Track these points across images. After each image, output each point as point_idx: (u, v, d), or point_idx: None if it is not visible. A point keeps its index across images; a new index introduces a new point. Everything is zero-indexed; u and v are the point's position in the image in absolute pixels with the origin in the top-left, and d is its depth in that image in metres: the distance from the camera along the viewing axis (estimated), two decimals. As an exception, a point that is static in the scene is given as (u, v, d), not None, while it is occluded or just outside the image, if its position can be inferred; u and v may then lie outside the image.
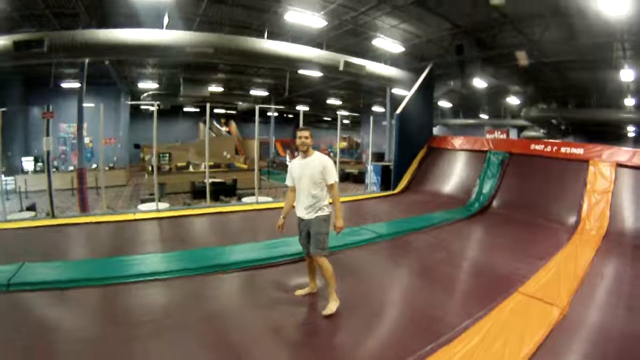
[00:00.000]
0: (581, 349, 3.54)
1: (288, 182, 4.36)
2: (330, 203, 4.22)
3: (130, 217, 7.71)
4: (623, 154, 8.54)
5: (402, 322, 4.06)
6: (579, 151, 9.22)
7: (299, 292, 4.47)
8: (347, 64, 12.19)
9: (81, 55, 9.85)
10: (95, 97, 19.23)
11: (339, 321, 3.93)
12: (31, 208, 11.45)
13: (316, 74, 14.19)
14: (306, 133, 4.15)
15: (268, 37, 11.54)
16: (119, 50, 9.91)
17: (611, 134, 22.01)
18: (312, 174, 4.08)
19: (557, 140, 13.27)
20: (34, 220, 7.14)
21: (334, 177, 4.13)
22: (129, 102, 21.06)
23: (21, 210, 11.12)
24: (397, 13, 11.18)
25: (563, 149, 9.53)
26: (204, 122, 30.33)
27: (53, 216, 7.72)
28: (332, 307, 4.06)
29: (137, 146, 24.90)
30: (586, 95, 18.57)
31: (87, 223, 7.18)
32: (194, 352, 3.24)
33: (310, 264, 4.43)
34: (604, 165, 8.57)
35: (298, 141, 4.19)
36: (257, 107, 9.78)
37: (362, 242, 6.48)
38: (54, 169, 19.14)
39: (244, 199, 10.53)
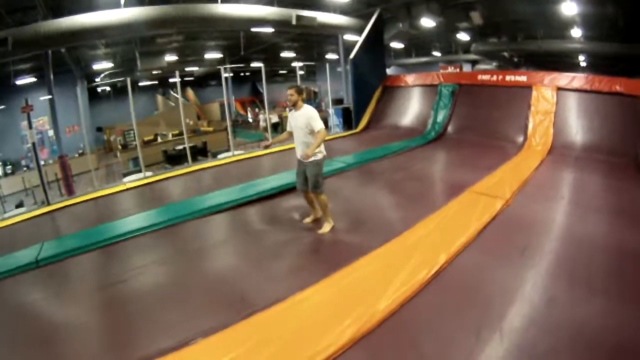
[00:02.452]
0: (519, 229, 4.54)
1: (287, 128, 5.17)
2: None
3: (122, 187, 8.13)
4: (563, 78, 9.38)
5: (375, 222, 5.12)
6: (522, 78, 10.07)
7: (307, 220, 5.37)
8: (299, 18, 12.64)
9: (46, 46, 10.13)
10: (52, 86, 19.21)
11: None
12: (20, 205, 11.87)
13: (270, 30, 14.60)
14: (291, 91, 4.84)
15: (222, 1, 11.89)
16: (82, 36, 10.06)
17: (563, 64, 22.82)
18: (300, 125, 4.84)
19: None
20: (31, 212, 7.33)
21: (318, 125, 4.75)
22: (96, 84, 20.95)
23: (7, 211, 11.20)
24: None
25: (508, 77, 10.37)
26: (161, 94, 30.34)
27: (48, 203, 7.85)
28: (326, 228, 4.98)
29: (99, 129, 24.75)
30: (533, 29, 19.20)
31: (83, 201, 7.54)
32: (219, 262, 4.27)
33: (307, 196, 5.29)
34: (546, 89, 9.44)
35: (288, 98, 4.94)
36: (222, 69, 10.32)
37: (334, 171, 7.39)
38: (24, 168, 19.15)
39: (220, 156, 11.11)
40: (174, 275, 4.08)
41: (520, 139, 9.16)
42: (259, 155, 10.02)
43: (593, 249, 3.96)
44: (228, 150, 11.61)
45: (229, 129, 11.87)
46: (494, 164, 7.23)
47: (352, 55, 12.48)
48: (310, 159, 4.77)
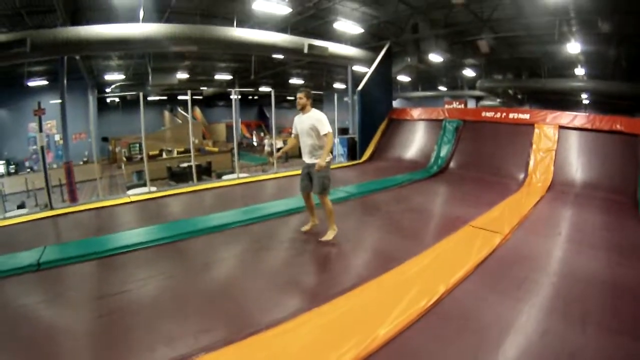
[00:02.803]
0: (517, 263, 4.62)
1: (293, 131, 5.35)
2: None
3: (126, 200, 8.17)
4: (565, 117, 9.58)
5: (376, 251, 5.27)
6: (525, 116, 10.26)
7: (305, 228, 5.60)
8: (311, 46, 13.02)
9: (63, 52, 10.19)
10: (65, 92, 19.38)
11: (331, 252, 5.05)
12: (22, 206, 12.12)
13: (281, 57, 14.94)
14: (301, 94, 5.04)
15: (237, 25, 12.25)
16: (99, 46, 10.27)
17: (566, 102, 23.18)
18: (307, 128, 5.01)
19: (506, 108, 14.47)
20: (33, 214, 7.34)
21: (326, 128, 4.91)
22: (106, 95, 21.16)
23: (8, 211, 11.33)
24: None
25: (511, 115, 10.58)
26: (169, 110, 30.58)
27: (51, 207, 7.86)
28: (329, 235, 5.19)
29: (105, 139, 24.91)
30: (538, 67, 19.80)
31: (87, 210, 7.56)
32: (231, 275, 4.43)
33: (308, 201, 5.44)
34: (548, 127, 9.63)
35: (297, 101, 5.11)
36: (233, 92, 10.51)
37: (337, 200, 7.44)
38: (28, 170, 19.30)
39: (224, 177, 11.22)
40: (174, 290, 4.10)
41: (522, 175, 9.30)
42: (264, 180, 10.17)
43: (589, 284, 4.05)
44: (232, 172, 11.75)
45: (235, 151, 11.81)
46: (494, 199, 7.37)
47: (360, 87, 12.74)
48: (317, 160, 4.98)
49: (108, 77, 20.74)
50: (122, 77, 21.15)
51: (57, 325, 3.53)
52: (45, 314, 3.70)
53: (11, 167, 19.04)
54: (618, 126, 8.71)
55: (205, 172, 16.23)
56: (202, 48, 11.93)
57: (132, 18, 10.92)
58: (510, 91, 23.17)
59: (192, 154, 11.13)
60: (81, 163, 20.43)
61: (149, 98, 29.42)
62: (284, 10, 11.71)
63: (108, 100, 26.85)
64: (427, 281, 3.97)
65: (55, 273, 4.56)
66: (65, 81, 10.99)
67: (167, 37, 10.64)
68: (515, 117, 10.48)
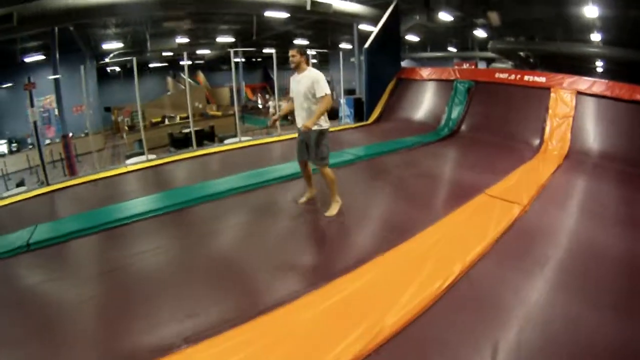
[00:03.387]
0: (538, 239, 4.21)
1: (290, 94, 4.82)
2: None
3: (123, 170, 7.91)
4: (583, 82, 8.99)
5: (383, 222, 4.85)
6: (541, 79, 9.67)
7: (301, 200, 5.17)
8: (314, 3, 12.31)
9: (52, 23, 10.08)
10: (60, 65, 18.98)
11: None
12: (21, 184, 11.80)
13: (284, 15, 14.30)
14: (292, 51, 4.48)
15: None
16: (88, 13, 9.99)
17: (580, 68, 21.96)
18: (303, 89, 4.49)
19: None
20: (30, 192, 7.13)
21: (323, 90, 4.38)
22: (104, 63, 20.91)
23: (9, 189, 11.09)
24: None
25: (526, 77, 9.97)
26: (172, 76, 30.05)
27: (47, 183, 7.68)
28: (333, 209, 4.77)
29: (107, 109, 24.62)
30: (553, 30, 18.67)
31: (82, 183, 7.33)
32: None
33: (305, 170, 5.03)
34: (565, 92, 9.04)
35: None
36: (232, 52, 10.05)
37: (343, 163, 7.14)
38: (30, 146, 18.83)
39: (226, 141, 10.92)
40: (176, 264, 3.87)
41: (537, 141, 8.80)
42: (267, 143, 9.84)
43: (617, 263, 3.69)
44: (235, 135, 11.35)
45: (237, 114, 11.47)
46: (509, 166, 6.89)
47: (366, 45, 12.12)
48: (314, 128, 4.45)
49: (106, 46, 20.12)
50: (121, 45, 20.53)
51: (43, 310, 3.27)
52: (31, 299, 3.48)
53: (13, 145, 18.79)
54: (639, 96, 8.11)
55: (207, 137, 15.89)
56: (199, 9, 11.36)
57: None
58: (522, 54, 22.28)
59: (190, 118, 10.77)
60: (82, 135, 19.85)
61: (151, 65, 29.05)
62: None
63: (109, 69, 26.40)
64: (441, 259, 3.58)
65: (46, 253, 4.30)
66: (57, 53, 10.77)
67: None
68: (531, 79, 9.89)
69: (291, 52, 4.49)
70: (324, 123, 4.55)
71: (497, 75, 10.75)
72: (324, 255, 4.06)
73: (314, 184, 5.26)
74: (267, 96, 30.66)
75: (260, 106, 29.13)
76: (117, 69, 28.24)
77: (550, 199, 5.50)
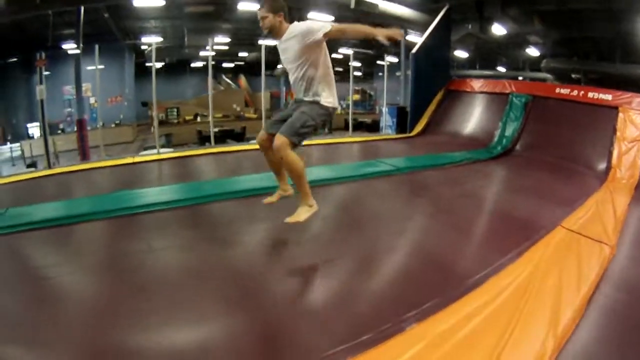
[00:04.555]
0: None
1: (282, 65, 3.49)
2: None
3: (129, 160, 7.36)
4: None
5: (421, 253, 3.62)
6: (607, 97, 8.54)
7: (268, 200, 3.70)
8: (358, 2, 11.42)
9: (74, 3, 9.74)
10: (100, 56, 18.97)
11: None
12: (32, 165, 11.86)
13: (328, 17, 13.50)
14: (262, 12, 3.15)
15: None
16: None
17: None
18: (292, 54, 3.20)
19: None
20: (31, 173, 6.93)
21: (321, 28, 3.00)
22: (143, 51, 20.86)
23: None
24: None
25: (590, 94, 8.85)
26: (213, 77, 29.97)
27: (49, 166, 7.67)
28: (300, 214, 3.22)
29: (144, 104, 24.63)
30: (609, 50, 17.35)
31: (84, 170, 6.92)
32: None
33: (269, 152, 3.44)
34: (635, 113, 7.92)
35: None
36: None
37: (378, 174, 6.21)
38: (60, 131, 19.03)
39: (252, 141, 10.34)
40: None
41: (602, 166, 7.57)
42: None
43: None
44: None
45: (263, 115, 11.23)
46: (575, 193, 5.70)
47: (414, 50, 11.09)
48: (311, 99, 3.20)
49: (145, 39, 20.00)
50: (160, 39, 20.31)
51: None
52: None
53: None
54: None
55: (237, 136, 15.49)
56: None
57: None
58: (574, 76, 20.76)
59: (210, 116, 10.42)
60: (113, 126, 20.35)
61: (193, 65, 29.04)
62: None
63: (148, 65, 26.38)
64: (523, 326, 2.34)
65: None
66: (80, 32, 10.75)
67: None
68: (595, 96, 8.71)
69: (260, 14, 3.17)
70: (326, 97, 3.23)
71: (557, 90, 9.62)
72: (339, 300, 2.77)
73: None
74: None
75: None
76: (158, 65, 28.24)
77: (635, 239, 4.29)
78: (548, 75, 22.22)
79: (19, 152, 15.93)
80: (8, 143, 17.35)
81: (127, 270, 3.13)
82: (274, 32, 3.20)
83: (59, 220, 4.07)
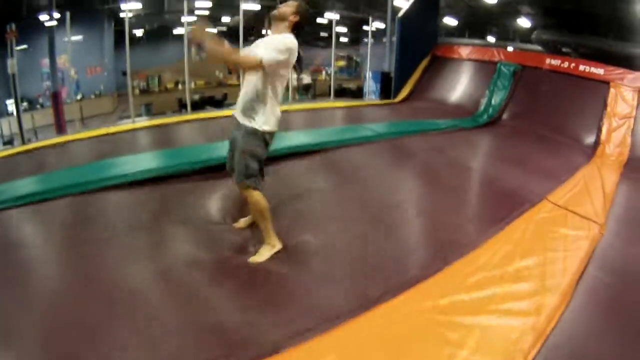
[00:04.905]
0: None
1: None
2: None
3: (104, 131, 7.09)
4: None
5: (409, 230, 3.42)
6: (598, 71, 8.30)
7: (239, 224, 3.39)
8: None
9: None
10: (77, 26, 18.27)
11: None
12: (9, 142, 11.21)
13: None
14: (289, 5, 2.86)
15: None
16: None
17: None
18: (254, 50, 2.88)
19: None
20: (5, 150, 6.64)
21: (267, 54, 2.67)
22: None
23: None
24: None
25: (581, 67, 8.62)
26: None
27: (23, 142, 7.46)
28: (262, 253, 2.93)
29: (124, 73, 24.07)
30: (602, 25, 16.74)
31: (59, 143, 6.54)
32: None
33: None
34: (626, 89, 7.70)
35: None
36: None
37: (359, 139, 5.95)
38: (39, 106, 18.40)
39: (231, 107, 10.01)
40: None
41: (590, 140, 7.43)
42: None
43: None
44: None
45: (242, 79, 10.41)
46: (562, 166, 5.57)
47: (400, 14, 10.66)
48: (244, 123, 2.81)
49: (124, 6, 19.18)
50: (139, 5, 19.64)
51: None
52: None
53: (24, 104, 18.06)
54: None
55: (217, 103, 15.27)
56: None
57: None
58: (565, 49, 20.49)
59: (187, 84, 10.32)
60: (92, 97, 19.85)
61: (175, 32, 28.37)
62: None
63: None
64: (508, 300, 2.19)
65: None
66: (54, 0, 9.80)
67: None
68: (587, 69, 8.47)
69: (286, 4, 2.86)
70: (261, 122, 2.82)
71: (548, 61, 9.38)
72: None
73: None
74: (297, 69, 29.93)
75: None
76: (138, 32, 27.61)
77: (627, 218, 4.07)
78: (538, 47, 21.98)
79: None
80: None
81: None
82: (275, 23, 2.89)
83: (28, 197, 3.78)
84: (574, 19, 17.62)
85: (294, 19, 2.81)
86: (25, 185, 4.10)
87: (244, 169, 2.81)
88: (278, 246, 3.00)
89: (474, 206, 4.01)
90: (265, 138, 2.83)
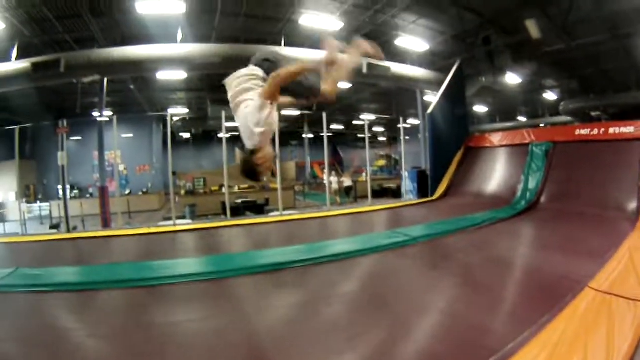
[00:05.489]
0: None
1: None
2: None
3: (145, 230, 7.63)
4: None
5: (438, 334, 3.26)
6: (628, 129, 8.29)
7: None
8: (370, 65, 11.54)
9: (96, 73, 10.19)
10: (128, 125, 20.11)
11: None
12: (55, 227, 11.95)
13: (341, 85, 13.74)
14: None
15: (285, 45, 11.23)
16: (131, 66, 10.24)
17: None
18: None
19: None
20: (51, 235, 7.32)
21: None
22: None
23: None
24: (414, 8, 10.77)
25: (611, 130, 8.61)
26: (240, 148, 30.46)
27: (68, 230, 8.07)
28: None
29: (174, 173, 25.26)
30: (626, 82, 16.98)
31: (101, 237, 7.18)
32: None
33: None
34: None
35: None
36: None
37: (393, 245, 5.81)
38: (89, 195, 20.07)
39: (270, 214, 10.25)
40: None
41: (633, 206, 7.19)
42: (307, 218, 9.13)
43: None
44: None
45: (279, 183, 11.48)
46: (605, 243, 5.23)
47: (429, 110, 11.09)
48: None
49: (171, 111, 21.01)
50: (186, 110, 21.49)
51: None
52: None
53: (74, 191, 19.69)
54: None
55: (258, 208, 15.49)
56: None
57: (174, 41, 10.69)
58: (593, 114, 20.32)
59: (226, 190, 10.61)
60: (140, 193, 21.11)
61: (220, 135, 29.94)
62: (336, 25, 10.66)
63: (177, 135, 27.56)
64: None
65: (6, 298, 4.07)
66: (103, 101, 11.49)
67: (202, 56, 10.26)
68: (617, 131, 8.50)
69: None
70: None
71: (577, 132, 9.39)
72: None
73: None
74: (333, 173, 30.45)
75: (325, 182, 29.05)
76: (185, 135, 29.28)
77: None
78: (568, 118, 21.93)
79: (48, 212, 16.60)
80: (38, 202, 18.14)
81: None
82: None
83: (65, 286, 4.30)
84: (594, 80, 17.70)
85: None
86: (64, 274, 4.71)
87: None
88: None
89: (511, 305, 3.77)
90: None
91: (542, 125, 21.92)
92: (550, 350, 2.69)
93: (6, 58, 9.96)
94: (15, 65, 9.67)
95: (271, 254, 5.50)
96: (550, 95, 20.19)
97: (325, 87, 2.92)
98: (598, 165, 8.40)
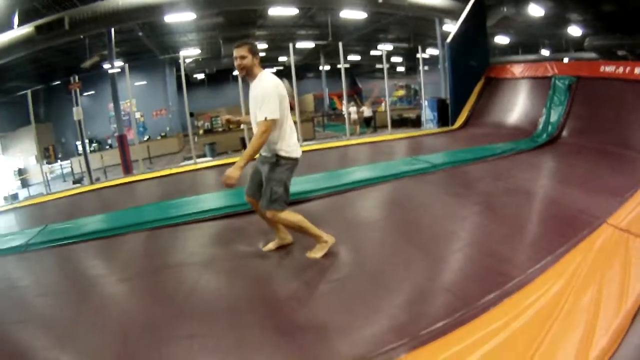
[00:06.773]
0: None
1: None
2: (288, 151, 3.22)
3: (167, 172, 7.86)
4: None
5: (459, 260, 3.39)
6: None
7: (268, 247, 3.70)
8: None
9: (103, 25, 10.29)
10: (141, 73, 20.13)
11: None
12: (78, 181, 12.44)
13: (357, 15, 13.37)
14: (240, 51, 3.10)
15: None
16: (138, 13, 10.21)
17: None
18: (253, 108, 3.20)
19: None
20: (75, 189, 7.49)
21: (265, 112, 2.99)
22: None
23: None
24: None
25: (637, 70, 8.03)
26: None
27: (91, 182, 8.24)
28: (317, 251, 3.39)
29: (191, 114, 25.29)
30: None
31: (124, 183, 7.46)
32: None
33: (259, 211, 3.51)
34: None
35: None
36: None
37: (414, 172, 5.98)
38: (108, 146, 20.48)
39: None
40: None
41: None
42: (325, 148, 9.32)
43: None
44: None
45: (297, 116, 11.71)
46: (627, 182, 5.03)
47: (449, 39, 10.74)
48: (270, 155, 3.19)
49: (183, 52, 20.61)
50: (198, 51, 21.18)
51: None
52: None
53: (94, 145, 19.94)
54: None
55: None
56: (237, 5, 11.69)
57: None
58: (620, 52, 19.49)
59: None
60: (159, 138, 21.32)
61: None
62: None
63: (191, 76, 27.39)
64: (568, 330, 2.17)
65: (40, 255, 4.26)
66: (113, 52, 11.63)
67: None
68: None
69: (237, 52, 3.12)
70: (285, 148, 3.18)
71: (602, 68, 8.86)
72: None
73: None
74: (352, 103, 30.25)
75: (344, 113, 29.01)
76: (199, 76, 29.06)
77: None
78: (592, 54, 21.14)
79: (69, 169, 16.93)
80: (59, 161, 18.70)
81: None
82: (249, 74, 3.19)
83: (94, 234, 4.50)
84: (623, 19, 16.94)
85: (256, 61, 3.16)
86: (92, 223, 4.90)
87: (271, 197, 3.16)
88: (330, 240, 3.43)
89: (530, 235, 3.86)
90: (287, 164, 3.21)
91: (565, 60, 21.14)
92: (566, 280, 2.74)
93: (9, 26, 9.88)
94: (19, 31, 9.64)
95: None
96: (574, 30, 19.33)
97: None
98: (622, 105, 8.04)
